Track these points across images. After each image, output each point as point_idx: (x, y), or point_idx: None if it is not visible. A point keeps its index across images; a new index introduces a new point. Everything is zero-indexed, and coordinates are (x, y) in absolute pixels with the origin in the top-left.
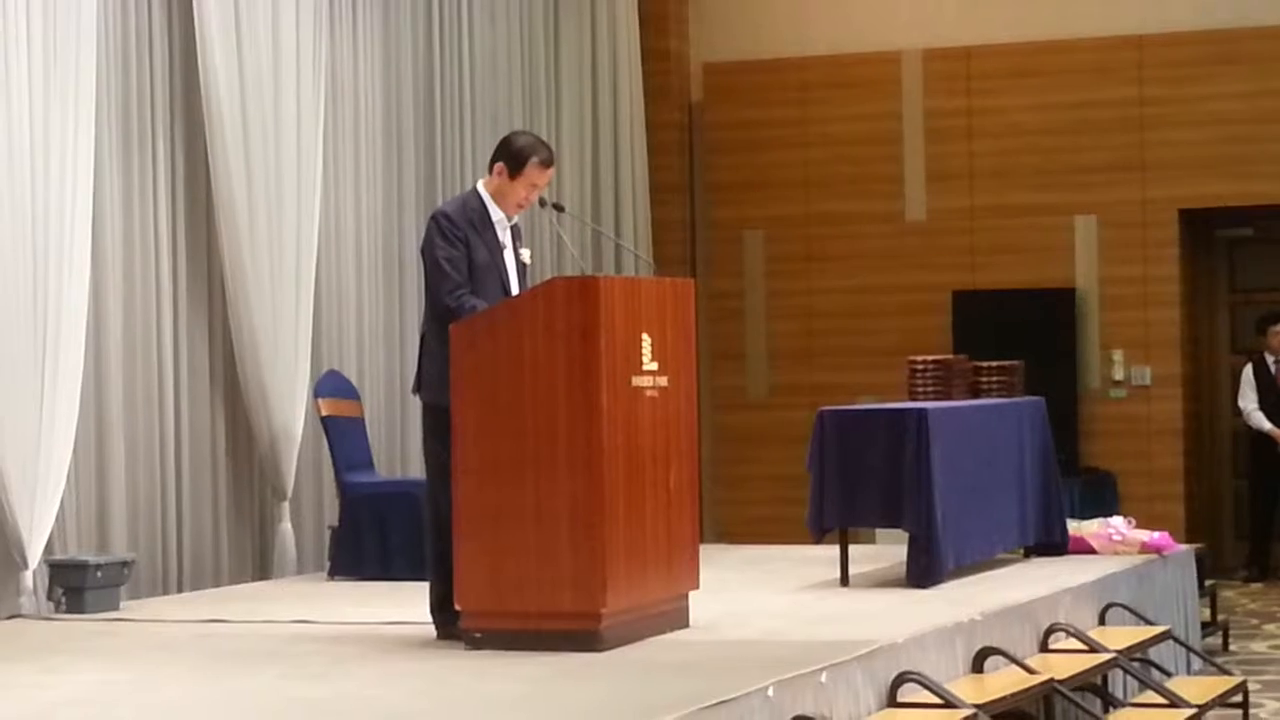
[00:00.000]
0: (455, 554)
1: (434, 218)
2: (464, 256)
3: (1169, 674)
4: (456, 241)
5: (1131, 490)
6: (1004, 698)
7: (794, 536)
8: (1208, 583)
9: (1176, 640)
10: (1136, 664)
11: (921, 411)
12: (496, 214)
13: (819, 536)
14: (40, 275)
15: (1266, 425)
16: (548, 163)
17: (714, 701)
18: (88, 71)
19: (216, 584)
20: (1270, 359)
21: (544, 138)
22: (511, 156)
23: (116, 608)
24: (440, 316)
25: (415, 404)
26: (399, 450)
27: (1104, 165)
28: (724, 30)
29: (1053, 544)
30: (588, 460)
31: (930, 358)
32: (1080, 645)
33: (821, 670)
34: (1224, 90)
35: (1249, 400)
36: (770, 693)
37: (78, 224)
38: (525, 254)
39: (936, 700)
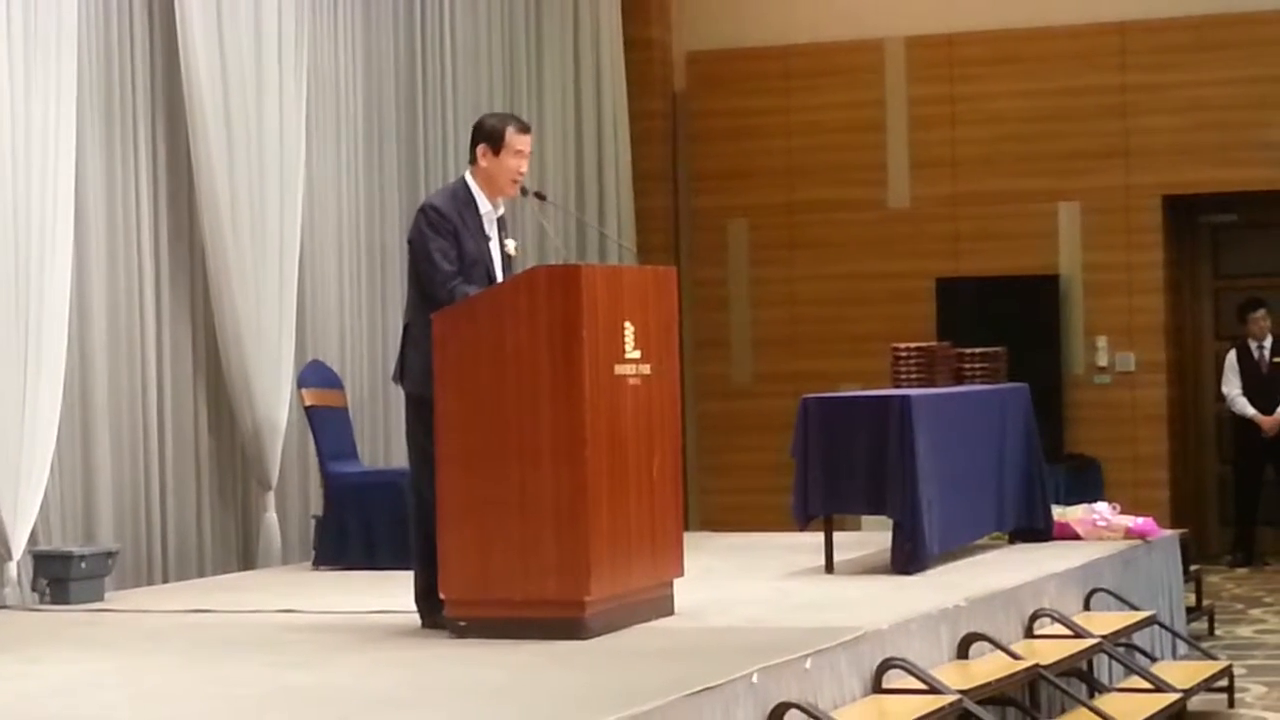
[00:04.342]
0: (439, 543)
1: (423, 209)
2: (454, 247)
3: (1154, 659)
4: (446, 233)
5: (1116, 476)
6: (989, 684)
7: (778, 524)
8: (1192, 568)
9: (1162, 625)
10: (1122, 649)
11: (905, 399)
12: (484, 206)
13: (803, 523)
14: (23, 265)
15: (1250, 411)
16: (525, 128)
17: (699, 688)
18: (69, 61)
19: (201, 574)
20: (1253, 344)
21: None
22: (488, 135)
23: (101, 598)
24: (431, 308)
25: (399, 393)
26: (382, 440)
27: (1087, 152)
28: (707, 19)
29: (1037, 530)
30: (571, 449)
31: (914, 345)
32: (1065, 631)
33: (806, 657)
34: (1207, 76)
35: (1232, 386)
36: (755, 679)
37: (60, 214)
38: (511, 245)
39: (922, 686)
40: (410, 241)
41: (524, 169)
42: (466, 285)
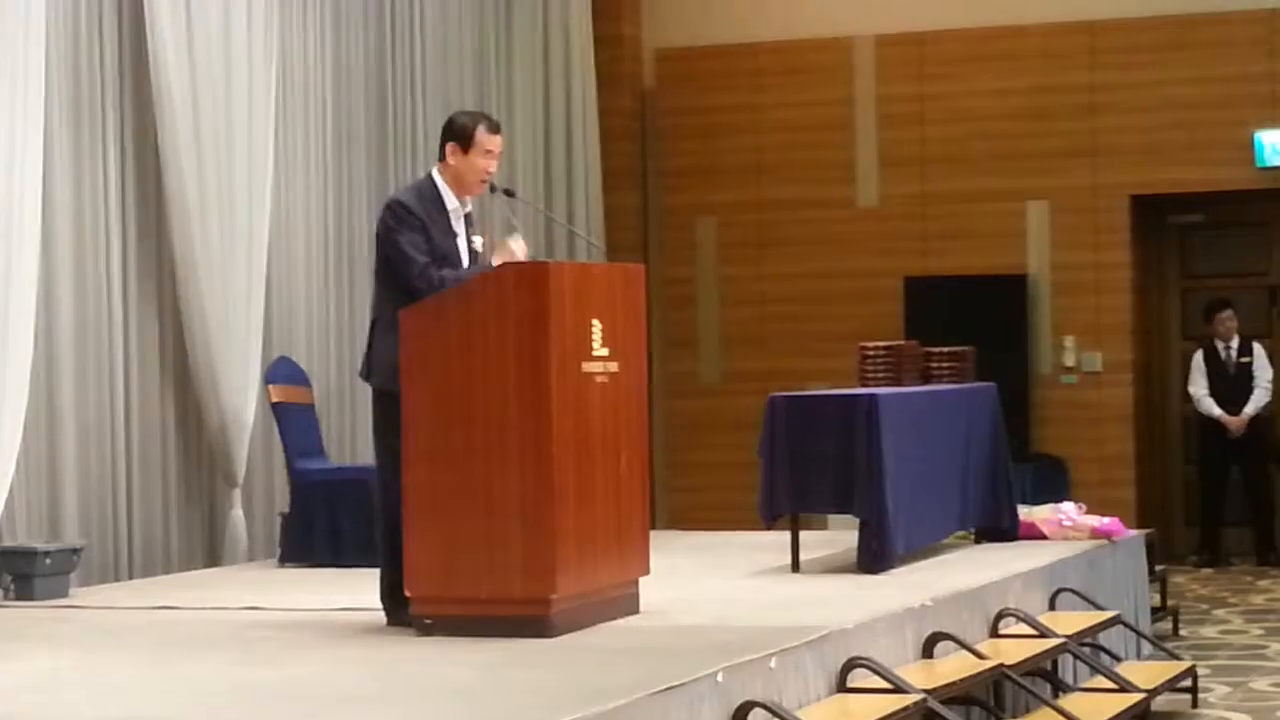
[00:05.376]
0: (405, 540)
1: (389, 205)
2: (424, 240)
3: (1119, 659)
4: (415, 227)
5: (1083, 476)
6: (954, 683)
7: (745, 522)
8: (1158, 568)
9: (1126, 625)
10: (1086, 649)
11: (872, 397)
12: (451, 202)
13: (770, 522)
14: None
15: (1216, 411)
16: (495, 128)
17: (664, 687)
18: (36, 56)
19: (167, 571)
20: (1220, 345)
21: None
22: (458, 133)
23: (66, 595)
24: (405, 301)
25: (366, 390)
26: (349, 437)
27: (1056, 151)
28: (676, 16)
29: (1003, 529)
30: (538, 446)
31: (882, 343)
32: (1030, 630)
33: (771, 656)
34: (1175, 76)
35: (1199, 386)
36: (720, 678)
37: (27, 210)
38: (478, 241)
39: (886, 685)
40: (378, 237)
41: (493, 169)
42: (440, 270)
